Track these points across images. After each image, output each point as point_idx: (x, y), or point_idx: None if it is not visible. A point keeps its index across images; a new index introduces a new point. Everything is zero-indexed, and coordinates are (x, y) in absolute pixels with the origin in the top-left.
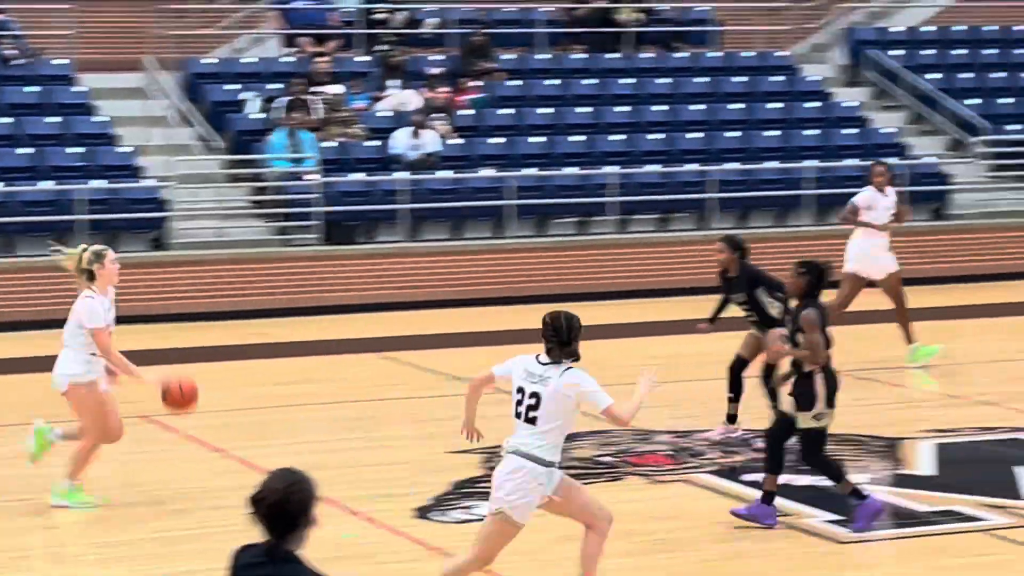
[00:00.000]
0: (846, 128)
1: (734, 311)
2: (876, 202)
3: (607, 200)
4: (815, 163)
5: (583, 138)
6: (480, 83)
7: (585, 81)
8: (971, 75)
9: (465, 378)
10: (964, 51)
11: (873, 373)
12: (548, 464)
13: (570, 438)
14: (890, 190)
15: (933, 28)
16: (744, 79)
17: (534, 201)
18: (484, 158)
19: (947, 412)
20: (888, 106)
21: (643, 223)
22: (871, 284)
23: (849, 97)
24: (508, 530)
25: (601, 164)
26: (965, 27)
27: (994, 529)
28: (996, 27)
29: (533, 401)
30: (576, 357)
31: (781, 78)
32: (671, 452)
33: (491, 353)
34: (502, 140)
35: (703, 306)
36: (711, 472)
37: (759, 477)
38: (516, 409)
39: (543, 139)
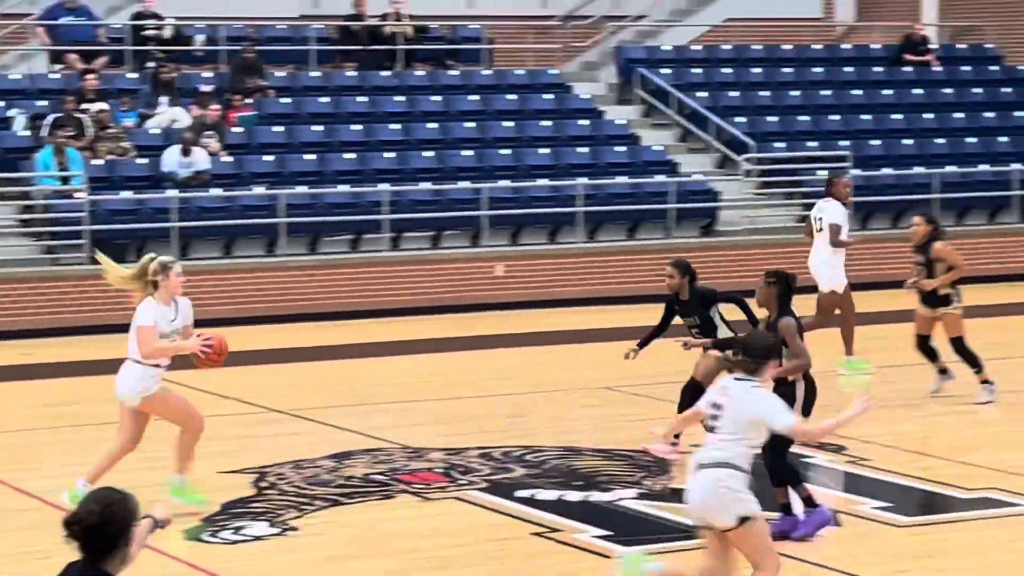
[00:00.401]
0: (616, 146)
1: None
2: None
3: (379, 218)
4: (586, 180)
5: (354, 156)
6: (250, 101)
7: (357, 99)
8: (737, 94)
9: (233, 398)
10: (731, 70)
11: (647, 388)
12: (740, 469)
13: (343, 456)
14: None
15: (701, 47)
16: (515, 97)
17: (306, 219)
18: (255, 176)
19: None
20: (658, 124)
21: (416, 240)
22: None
23: (619, 115)
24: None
25: (373, 182)
26: (732, 46)
27: None
28: (762, 47)
29: (719, 412)
30: (759, 374)
31: (552, 96)
32: (443, 469)
33: (265, 372)
34: (272, 158)
35: (474, 323)
36: (483, 489)
37: (531, 493)
38: (711, 423)
39: (314, 157)
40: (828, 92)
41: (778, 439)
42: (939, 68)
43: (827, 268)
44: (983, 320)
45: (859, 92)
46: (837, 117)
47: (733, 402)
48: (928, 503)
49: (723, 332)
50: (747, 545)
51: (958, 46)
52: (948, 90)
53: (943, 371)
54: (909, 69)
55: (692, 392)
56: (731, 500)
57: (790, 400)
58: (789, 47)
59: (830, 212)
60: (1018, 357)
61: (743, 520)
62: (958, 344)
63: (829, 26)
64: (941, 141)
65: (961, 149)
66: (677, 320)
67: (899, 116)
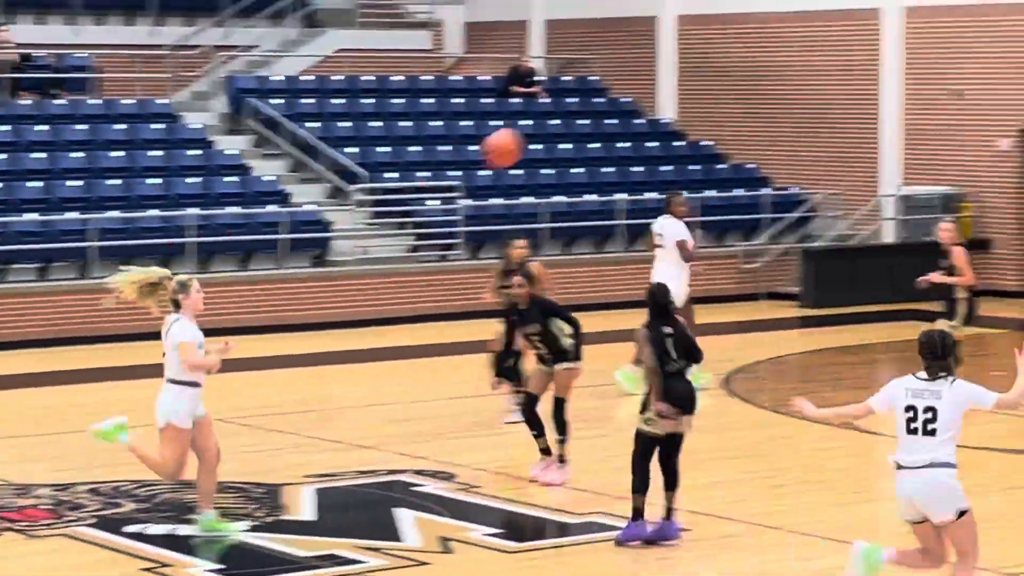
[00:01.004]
0: (228, 176)
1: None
2: (676, 232)
3: None
4: (197, 211)
5: None
6: None
7: None
8: (349, 124)
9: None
10: (342, 100)
11: (260, 420)
12: (955, 466)
13: None
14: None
15: (312, 77)
16: (124, 127)
17: None
18: None
19: (328, 457)
20: (269, 154)
21: (21, 272)
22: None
23: (230, 145)
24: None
25: None
26: (343, 77)
27: (371, 571)
28: (373, 77)
29: (930, 415)
30: (951, 371)
31: (162, 125)
32: (50, 506)
33: None
34: None
35: (85, 356)
36: (91, 525)
37: (140, 528)
38: (910, 426)
39: None
40: (439, 123)
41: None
42: (546, 99)
43: (674, 282)
44: (589, 347)
45: (469, 123)
46: (448, 147)
47: (944, 402)
48: (537, 528)
49: (565, 341)
50: (960, 535)
51: (564, 78)
52: (555, 121)
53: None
54: (517, 100)
55: (532, 405)
56: (956, 496)
57: (646, 400)
58: (400, 78)
59: (672, 229)
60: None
61: (961, 513)
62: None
63: (438, 58)
64: (549, 171)
65: (568, 179)
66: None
67: None
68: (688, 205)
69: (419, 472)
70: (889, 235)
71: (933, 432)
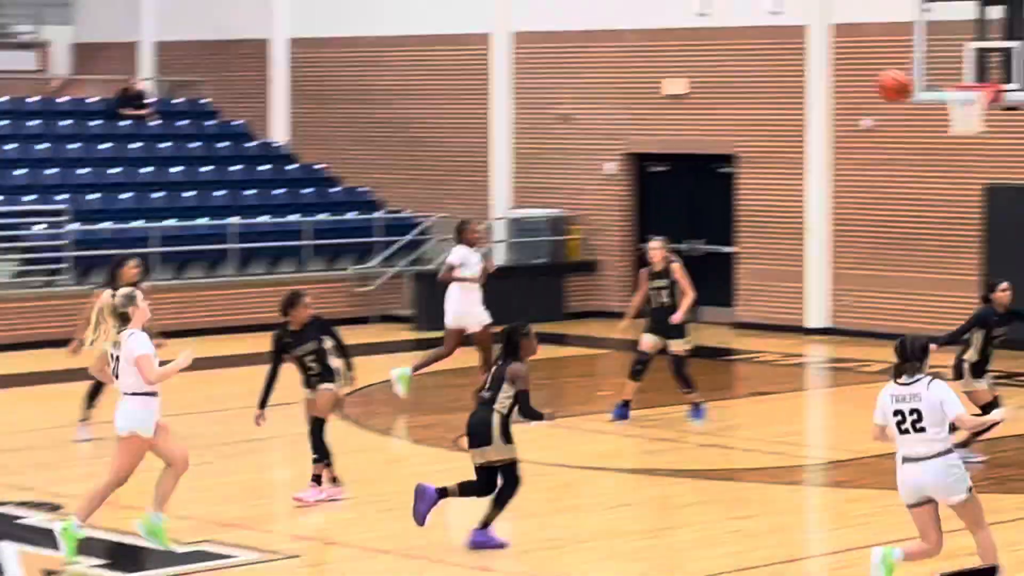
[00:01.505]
0: None
1: None
2: (468, 258)
3: None
4: None
5: None
6: None
7: None
8: None
9: None
10: None
11: None
12: (953, 451)
13: None
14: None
15: None
16: None
17: None
18: None
19: None
20: None
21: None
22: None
23: None
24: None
25: None
26: None
27: None
28: None
29: (915, 416)
30: (922, 371)
31: None
32: None
33: None
34: None
35: None
36: None
37: None
38: (901, 428)
39: None
40: (46, 145)
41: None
42: (157, 122)
43: (454, 304)
44: (215, 372)
45: (77, 145)
46: (55, 171)
47: (925, 402)
48: (143, 558)
49: (333, 360)
50: (971, 510)
51: (175, 100)
52: (166, 144)
53: None
54: (127, 123)
55: (319, 430)
56: (962, 477)
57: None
58: (4, 99)
59: (451, 253)
60: (233, 409)
61: (970, 490)
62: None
63: (45, 79)
64: (160, 195)
65: (179, 203)
66: None
67: (118, 169)
68: (480, 232)
69: (23, 503)
70: (500, 258)
71: (923, 429)
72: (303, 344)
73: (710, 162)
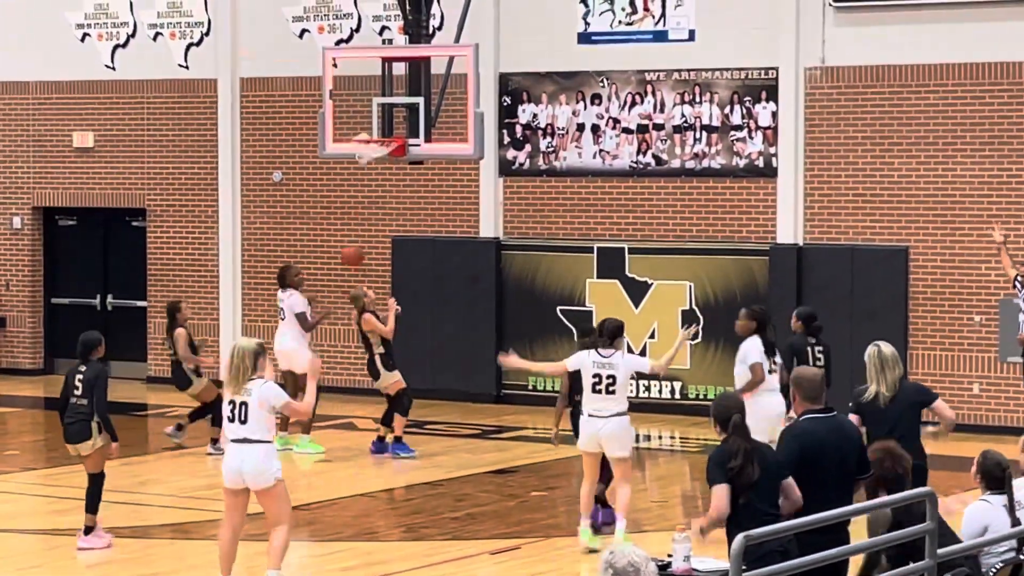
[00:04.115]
0: None
1: None
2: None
3: None
4: None
5: None
6: None
7: None
8: None
9: None
10: None
11: None
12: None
13: None
14: None
15: None
16: None
17: None
18: None
19: None
20: None
21: None
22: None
23: None
24: None
25: None
26: None
27: None
28: None
29: (610, 380)
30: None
31: None
32: None
33: None
34: None
35: None
36: None
37: None
38: (595, 388)
39: None
40: None
41: None
42: None
43: (299, 352)
44: None
45: None
46: None
47: (619, 369)
48: None
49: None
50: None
51: None
52: None
53: None
54: None
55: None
56: (631, 436)
57: None
58: None
59: (290, 302)
60: None
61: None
62: None
63: None
64: None
65: None
66: None
67: None
68: (301, 274)
69: None
70: None
71: (613, 392)
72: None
73: (124, 215)
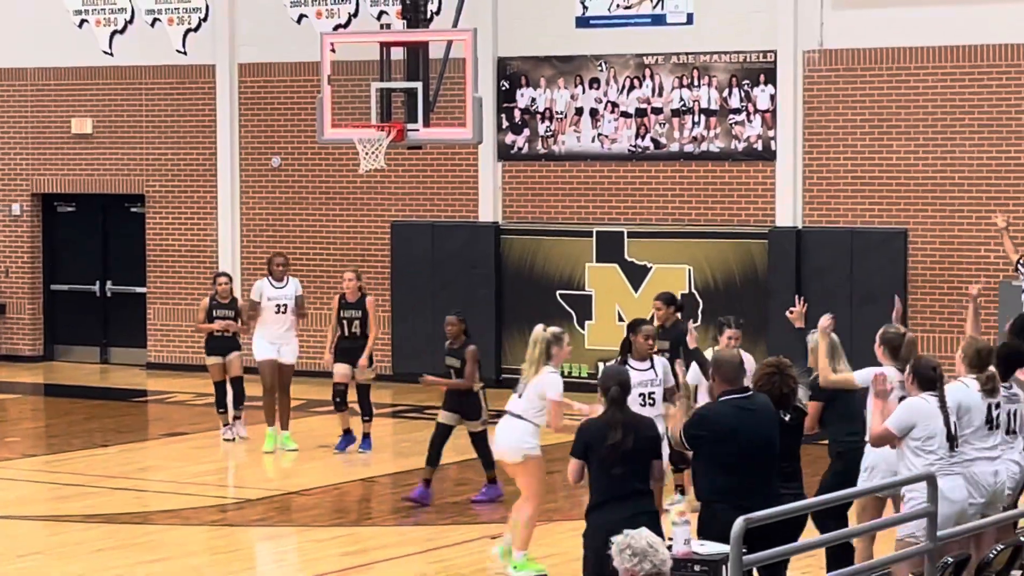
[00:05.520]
0: None
1: None
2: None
3: None
4: None
5: None
6: None
7: None
8: None
9: None
10: None
11: None
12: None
13: None
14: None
15: None
16: None
17: None
18: None
19: None
20: None
21: None
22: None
23: None
24: None
25: None
26: None
27: None
28: None
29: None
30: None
31: None
32: None
33: None
34: None
35: None
36: None
37: None
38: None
39: None
40: None
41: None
42: None
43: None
44: None
45: None
46: None
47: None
48: None
49: None
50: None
51: None
52: None
53: None
54: None
55: None
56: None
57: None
58: None
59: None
60: None
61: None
62: None
63: None
64: None
65: None
66: None
67: None
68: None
69: None
70: None
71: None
72: None
73: (122, 202)
